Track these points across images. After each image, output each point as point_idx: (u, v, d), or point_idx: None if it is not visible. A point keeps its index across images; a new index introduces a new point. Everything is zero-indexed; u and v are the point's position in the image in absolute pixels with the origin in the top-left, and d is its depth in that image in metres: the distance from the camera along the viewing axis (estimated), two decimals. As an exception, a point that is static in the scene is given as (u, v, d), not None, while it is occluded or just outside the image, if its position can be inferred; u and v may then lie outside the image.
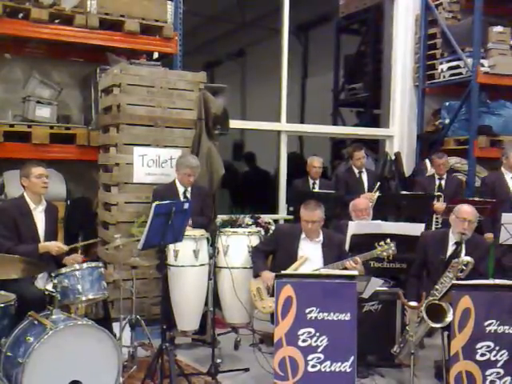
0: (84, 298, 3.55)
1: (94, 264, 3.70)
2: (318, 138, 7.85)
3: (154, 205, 3.43)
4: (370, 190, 5.85)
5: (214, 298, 4.15)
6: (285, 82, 6.84)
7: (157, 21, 5.46)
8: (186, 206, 3.63)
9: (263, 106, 8.10)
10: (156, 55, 6.08)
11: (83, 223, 5.37)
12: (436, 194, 5.74)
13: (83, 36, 5.20)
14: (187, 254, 4.26)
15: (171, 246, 4.19)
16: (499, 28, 6.71)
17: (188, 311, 4.33)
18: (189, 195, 4.75)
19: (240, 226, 5.66)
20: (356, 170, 6.07)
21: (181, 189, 4.76)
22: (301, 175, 6.19)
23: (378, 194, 5.69)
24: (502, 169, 5.71)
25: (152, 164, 5.01)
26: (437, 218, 5.63)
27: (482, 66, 6.59)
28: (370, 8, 7.97)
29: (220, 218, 5.61)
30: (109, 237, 4.83)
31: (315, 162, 6.03)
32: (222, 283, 4.44)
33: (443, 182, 5.94)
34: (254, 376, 4.02)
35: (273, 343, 3.51)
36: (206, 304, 4.39)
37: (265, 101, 8.10)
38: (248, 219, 5.84)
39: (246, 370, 4.11)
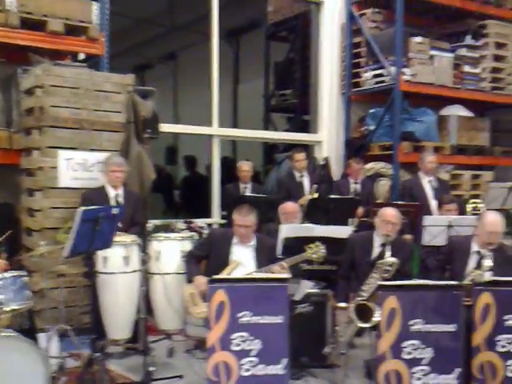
0: (7, 309, 3.38)
1: (16, 273, 3.52)
2: (251, 142, 7.91)
3: (79, 210, 3.32)
4: None
5: (146, 305, 4.07)
6: (216, 87, 6.82)
7: (82, 21, 5.31)
8: (116, 211, 3.55)
9: (196, 110, 8.06)
10: (82, 56, 5.91)
11: (5, 230, 5.10)
12: (354, 197, 5.91)
13: (3, 35, 4.95)
14: (117, 260, 4.16)
15: (100, 253, 4.06)
16: (419, 38, 7.00)
17: (119, 319, 4.22)
18: (121, 199, 4.64)
19: (173, 230, 5.59)
20: (297, 174, 6.12)
21: (112, 193, 4.65)
22: (235, 180, 6.22)
23: (316, 195, 5.76)
24: (419, 173, 5.99)
25: (78, 168, 4.84)
26: (352, 221, 5.74)
27: (404, 74, 6.86)
28: (297, 16, 8.11)
29: (152, 223, 5.51)
30: (33, 244, 4.63)
31: (244, 166, 6.12)
32: (155, 290, 4.37)
33: (358, 186, 6.17)
34: (187, 383, 3.97)
35: (207, 349, 3.49)
36: (139, 311, 4.30)
37: (197, 105, 8.06)
38: (181, 224, 5.78)
39: (180, 377, 4.04)
